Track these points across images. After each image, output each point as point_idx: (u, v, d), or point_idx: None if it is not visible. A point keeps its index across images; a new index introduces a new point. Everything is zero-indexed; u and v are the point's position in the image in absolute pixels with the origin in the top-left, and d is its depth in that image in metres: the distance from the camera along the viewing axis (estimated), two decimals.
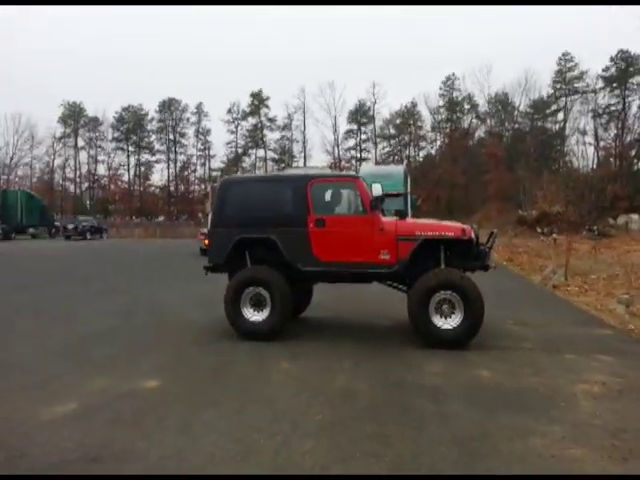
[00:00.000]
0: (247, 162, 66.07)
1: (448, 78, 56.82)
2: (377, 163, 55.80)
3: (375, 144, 61.92)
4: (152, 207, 66.88)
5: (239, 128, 65.35)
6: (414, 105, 59.18)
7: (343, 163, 60.23)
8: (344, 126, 62.56)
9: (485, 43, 72.21)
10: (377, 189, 6.46)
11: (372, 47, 77.86)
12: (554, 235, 19.21)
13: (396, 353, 6.07)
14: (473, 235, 6.64)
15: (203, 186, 64.97)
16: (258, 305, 6.79)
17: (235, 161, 65.11)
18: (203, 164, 68.01)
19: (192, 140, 67.44)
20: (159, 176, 77.19)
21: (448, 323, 6.26)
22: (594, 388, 4.83)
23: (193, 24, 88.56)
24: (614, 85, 47.85)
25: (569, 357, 5.96)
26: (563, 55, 51.19)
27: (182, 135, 67.52)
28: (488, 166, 48.87)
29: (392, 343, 6.55)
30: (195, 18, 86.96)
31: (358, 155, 62.32)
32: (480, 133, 57.41)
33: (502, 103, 54.32)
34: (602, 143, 48.80)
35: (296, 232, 6.69)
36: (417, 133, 60.13)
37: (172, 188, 67.07)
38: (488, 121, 56.13)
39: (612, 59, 47.78)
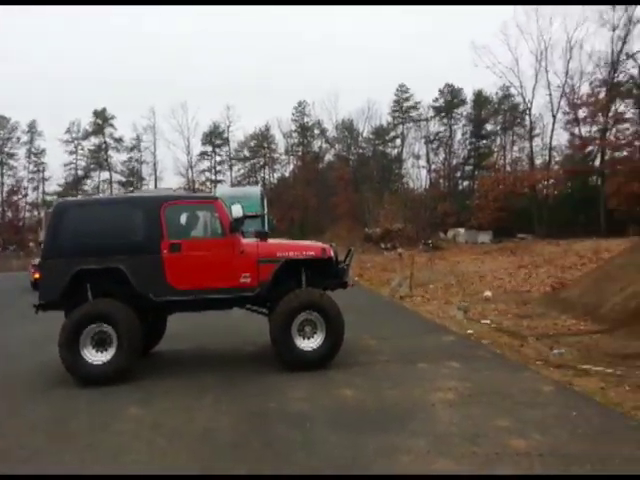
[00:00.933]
0: (89, 185, 60.94)
1: (299, 104, 59.00)
2: (233, 185, 55.42)
3: (230, 166, 61.52)
4: None
5: (79, 148, 60.14)
6: (268, 129, 60.28)
7: (197, 185, 58.72)
8: (198, 148, 61.21)
9: (333, 73, 76.67)
10: (237, 210, 6.18)
11: (226, 70, 77.61)
12: (399, 250, 20.66)
13: (259, 380, 5.82)
14: (333, 254, 6.68)
15: (36, 212, 58.18)
16: (101, 344, 5.99)
17: (75, 184, 59.55)
18: (36, 188, 61.04)
19: (23, 161, 60.28)
20: None
21: (311, 344, 6.18)
22: (448, 395, 5.09)
23: (27, 37, 79.88)
24: (442, 114, 53.96)
25: (422, 366, 6.26)
26: (400, 87, 56.47)
27: (10, 156, 60.01)
28: (337, 188, 51.46)
29: (254, 370, 6.28)
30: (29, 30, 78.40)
31: (213, 177, 61.30)
32: (329, 157, 60.45)
33: (348, 129, 57.90)
34: (433, 166, 54.50)
35: (148, 259, 6.11)
36: (271, 156, 61.14)
37: None
38: (336, 146, 59.34)
39: (440, 91, 53.97)
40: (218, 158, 62.03)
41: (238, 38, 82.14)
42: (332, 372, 6.02)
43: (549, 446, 3.78)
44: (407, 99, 56.38)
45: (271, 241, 6.87)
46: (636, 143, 34.01)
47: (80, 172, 60.57)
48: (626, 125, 35.33)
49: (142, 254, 6.13)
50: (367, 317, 9.92)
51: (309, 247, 6.68)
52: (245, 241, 6.52)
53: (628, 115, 35.80)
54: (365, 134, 57.97)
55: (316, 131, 59.75)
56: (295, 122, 59.72)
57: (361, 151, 58.64)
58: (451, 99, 53.24)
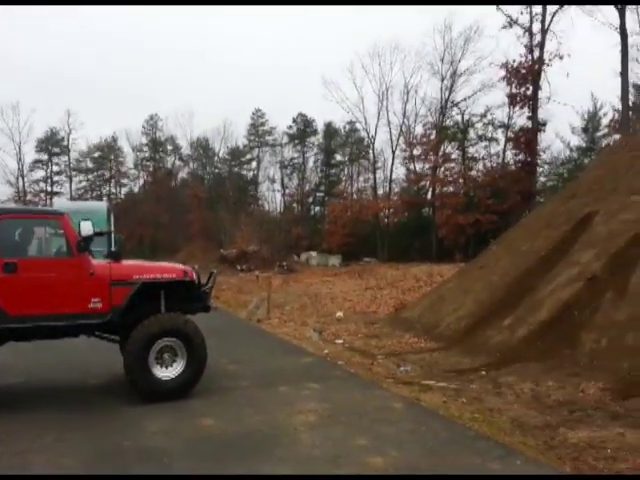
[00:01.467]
0: None
1: (151, 117, 56.40)
2: (73, 198, 50.51)
3: (70, 177, 56.15)
4: None
5: None
6: (115, 140, 56.47)
7: (30, 197, 52.47)
8: (31, 155, 54.78)
9: (188, 89, 74.70)
10: (87, 228, 5.62)
11: (65, 71, 71.01)
12: (257, 272, 20.74)
13: (110, 415, 5.33)
14: (195, 276, 6.42)
15: None
16: None
17: None
18: None
19: None
20: None
21: (169, 372, 5.83)
22: (309, 417, 5.19)
23: None
24: (296, 141, 55.88)
25: (282, 389, 6.32)
26: (256, 110, 57.22)
27: None
28: (191, 206, 50.03)
29: (104, 404, 5.73)
30: None
31: (49, 188, 55.34)
32: (183, 174, 58.69)
33: (203, 148, 56.92)
34: (287, 190, 56.03)
35: None
36: (119, 169, 57.31)
37: None
38: (191, 164, 57.88)
39: (294, 120, 55.91)
40: (55, 168, 56.26)
41: (84, 38, 76.07)
42: (191, 401, 5.76)
43: (405, 462, 4.06)
44: (263, 124, 57.36)
45: (125, 262, 6.33)
46: (460, 181, 38.80)
47: None
48: (452, 164, 40.21)
49: None
50: (225, 340, 9.71)
51: (169, 269, 6.33)
52: (95, 262, 5.95)
53: (454, 156, 40.89)
54: (221, 154, 57.59)
55: (169, 147, 57.69)
56: (146, 135, 56.98)
57: (217, 171, 58.00)
58: (304, 128, 55.48)
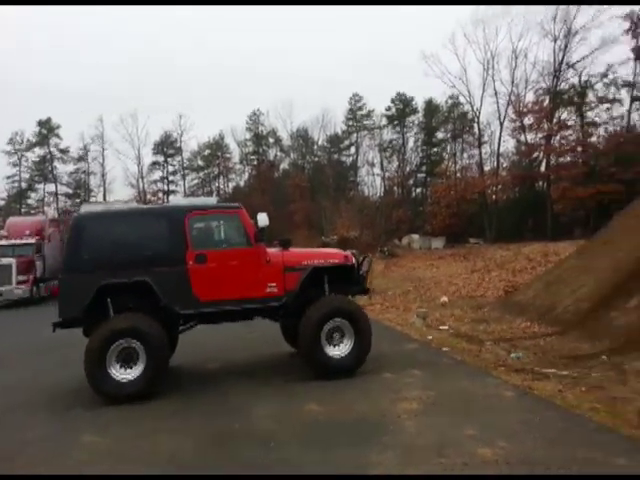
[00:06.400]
0: (34, 198, 58.34)
1: (254, 113, 58.61)
2: (186, 195, 54.32)
3: (183, 176, 60.32)
4: None
5: (23, 160, 57.56)
6: (222, 137, 59.53)
7: (149, 196, 57.28)
8: (149, 158, 59.69)
9: (288, 82, 76.51)
10: (263, 219, 6.16)
11: (176, 78, 76.25)
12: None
13: (222, 399, 5.67)
14: (354, 261, 6.76)
15: None
16: (127, 362, 5.79)
17: (18, 197, 56.98)
18: None
19: None
20: None
21: (339, 351, 6.27)
22: (413, 405, 5.11)
23: None
24: (395, 122, 54.94)
25: (387, 376, 6.28)
26: (354, 95, 57.11)
27: None
28: (294, 196, 51.39)
29: (218, 387, 6.13)
30: None
31: (165, 187, 59.98)
32: (285, 165, 60.38)
33: (303, 138, 58.05)
34: (387, 174, 55.35)
35: (173, 271, 5.99)
36: (226, 165, 60.44)
37: None
38: (292, 154, 59.37)
39: (392, 100, 54.96)
40: (170, 168, 60.75)
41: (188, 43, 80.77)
42: (296, 386, 5.95)
43: (515, 453, 3.85)
44: (361, 108, 57.10)
45: (293, 250, 6.85)
46: (578, 149, 35.66)
47: (24, 184, 57.98)
48: (569, 132, 37.02)
49: (167, 266, 6.00)
50: None
51: (333, 254, 6.82)
52: (270, 250, 6.53)
53: (571, 122, 37.58)
54: (320, 142, 58.32)
55: (271, 140, 59.59)
56: (249, 131, 59.34)
57: (316, 159, 58.88)
58: (403, 108, 54.31)
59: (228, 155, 60.57)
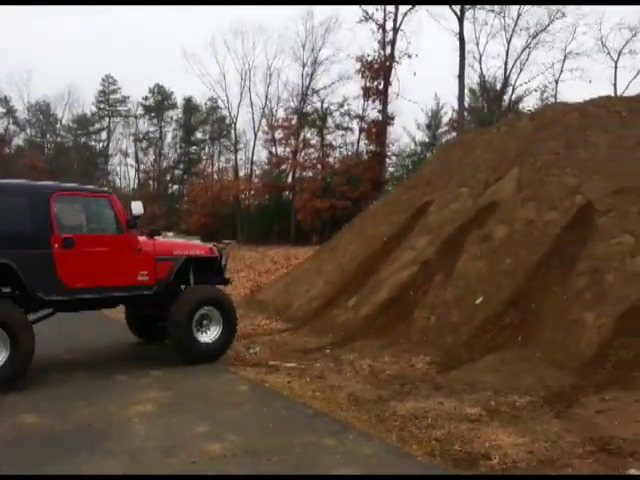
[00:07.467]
0: None
1: None
2: None
3: None
4: None
5: None
6: None
7: None
8: None
9: (27, 48, 65.50)
10: (137, 207, 6.17)
11: None
12: None
13: None
14: (217, 253, 7.22)
15: None
16: None
17: None
18: None
19: None
20: None
21: (207, 337, 6.64)
22: (147, 407, 4.93)
23: None
24: (152, 114, 52.53)
25: (120, 378, 5.94)
26: (106, 77, 52.41)
27: None
28: (28, 177, 44.55)
29: None
30: None
31: None
32: (19, 141, 51.92)
33: (43, 113, 50.88)
34: (142, 166, 52.62)
35: (37, 255, 5.62)
36: None
37: None
38: (28, 130, 51.39)
39: (150, 91, 52.40)
40: None
41: None
42: (11, 398, 5.12)
43: (242, 445, 4.04)
44: (114, 91, 52.97)
45: (162, 239, 7.16)
46: (319, 166, 39.94)
47: None
48: (312, 150, 41.19)
49: (30, 249, 5.61)
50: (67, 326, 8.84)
51: (199, 247, 7.33)
52: (141, 239, 6.54)
53: (313, 142, 41.89)
54: (65, 122, 52.02)
55: (1, 109, 50.57)
56: None
57: (59, 140, 52.33)
58: (162, 100, 52.40)
59: None
